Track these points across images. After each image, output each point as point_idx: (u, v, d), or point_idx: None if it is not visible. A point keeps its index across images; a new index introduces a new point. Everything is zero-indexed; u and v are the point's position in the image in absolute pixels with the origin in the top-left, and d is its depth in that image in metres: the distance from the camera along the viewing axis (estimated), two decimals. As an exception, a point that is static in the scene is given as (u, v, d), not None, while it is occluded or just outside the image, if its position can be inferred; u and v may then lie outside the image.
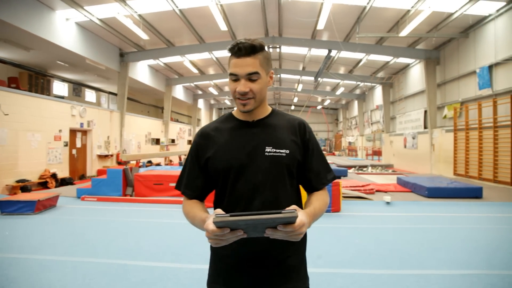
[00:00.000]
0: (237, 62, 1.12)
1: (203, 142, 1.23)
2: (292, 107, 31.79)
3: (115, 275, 3.07)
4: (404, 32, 10.29)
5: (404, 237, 4.38)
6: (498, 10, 9.08)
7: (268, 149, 1.17)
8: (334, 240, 4.28)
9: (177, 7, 10.14)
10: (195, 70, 17.21)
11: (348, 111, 28.72)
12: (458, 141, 11.20)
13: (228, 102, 29.37)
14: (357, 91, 22.85)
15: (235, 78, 1.13)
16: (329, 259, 3.48)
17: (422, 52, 12.80)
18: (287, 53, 16.04)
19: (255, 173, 1.15)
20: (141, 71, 15.89)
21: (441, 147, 12.43)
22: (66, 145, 11.12)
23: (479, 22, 9.91)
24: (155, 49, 13.81)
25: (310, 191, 1.26)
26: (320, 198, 1.21)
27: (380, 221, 5.31)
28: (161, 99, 20.17)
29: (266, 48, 1.18)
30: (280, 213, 0.91)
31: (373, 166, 15.98)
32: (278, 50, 15.35)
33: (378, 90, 19.33)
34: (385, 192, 7.99)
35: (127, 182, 7.33)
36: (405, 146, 15.66)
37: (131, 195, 7.24)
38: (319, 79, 17.84)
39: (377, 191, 8.02)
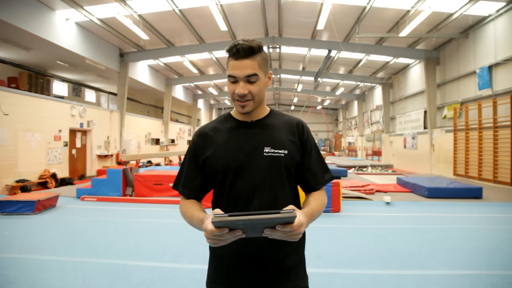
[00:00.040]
0: (235, 64, 1.12)
1: (201, 142, 1.23)
2: (292, 107, 31.78)
3: (115, 275, 3.08)
4: (404, 32, 10.30)
5: (404, 237, 4.38)
6: (498, 11, 9.09)
7: (267, 149, 1.17)
8: (334, 240, 4.28)
9: (177, 7, 10.14)
10: (195, 70, 17.21)
11: (348, 111, 28.72)
12: (458, 141, 11.19)
13: (228, 102, 29.37)
14: (357, 91, 22.85)
15: (233, 80, 1.13)
16: (329, 259, 3.48)
17: (422, 52, 12.81)
18: (287, 53, 16.04)
19: (254, 173, 1.15)
20: (141, 71, 15.89)
21: (441, 147, 12.43)
22: (66, 145, 11.12)
23: (479, 22, 9.91)
24: (155, 49, 13.82)
25: (308, 191, 1.26)
26: (318, 198, 1.21)
27: (380, 221, 5.31)
28: (161, 99, 20.16)
29: (264, 48, 1.18)
30: (278, 213, 0.92)
31: (373, 166, 15.98)
32: (278, 50, 15.34)
33: (378, 90, 19.32)
34: (385, 192, 7.98)
35: (127, 182, 7.33)
36: (405, 146, 15.66)
37: (131, 195, 7.24)
38: (319, 79, 17.84)
39: (377, 191, 8.02)
